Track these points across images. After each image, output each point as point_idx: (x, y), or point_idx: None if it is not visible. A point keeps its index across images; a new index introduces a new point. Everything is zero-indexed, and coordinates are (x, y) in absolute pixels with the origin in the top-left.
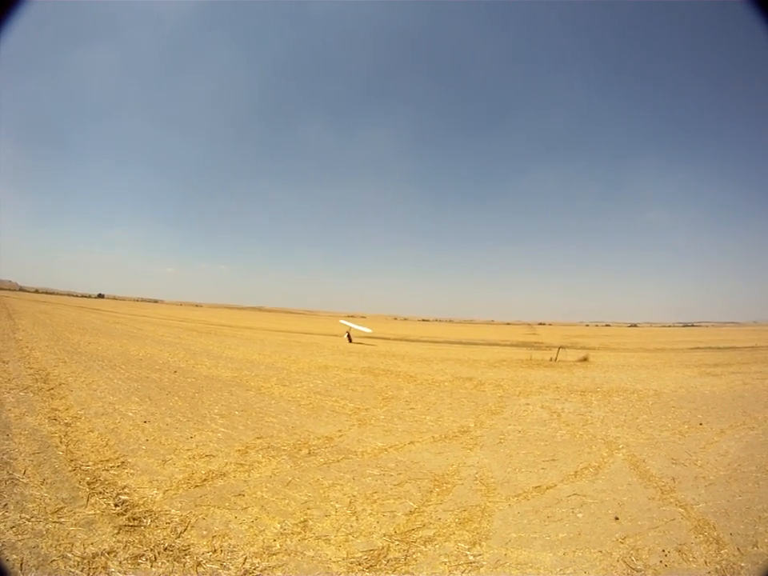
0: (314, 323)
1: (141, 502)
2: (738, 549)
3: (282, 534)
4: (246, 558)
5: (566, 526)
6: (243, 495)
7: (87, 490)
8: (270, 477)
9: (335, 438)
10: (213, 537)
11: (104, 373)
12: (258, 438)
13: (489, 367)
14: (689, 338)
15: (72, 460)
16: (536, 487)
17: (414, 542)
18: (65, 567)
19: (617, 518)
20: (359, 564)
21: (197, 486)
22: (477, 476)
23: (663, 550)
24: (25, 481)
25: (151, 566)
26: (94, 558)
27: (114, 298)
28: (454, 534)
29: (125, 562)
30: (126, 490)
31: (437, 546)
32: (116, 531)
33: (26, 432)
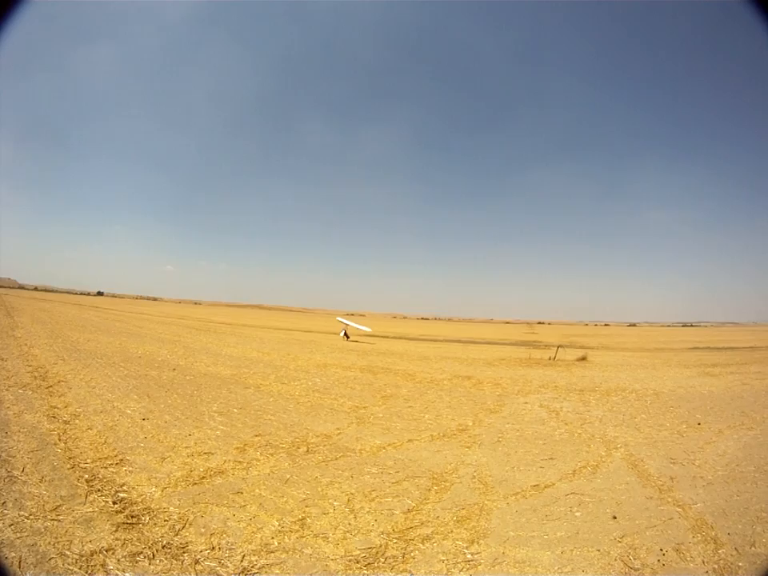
0: (313, 321)
1: (139, 500)
2: (736, 548)
3: (280, 531)
4: (244, 556)
5: (564, 525)
6: (241, 493)
7: (86, 487)
8: (269, 474)
9: (334, 436)
10: (211, 534)
11: (103, 370)
12: (256, 435)
13: (487, 366)
14: (688, 338)
15: (71, 457)
16: (534, 486)
17: (412, 540)
18: (63, 565)
19: (615, 517)
20: (357, 562)
21: (195, 483)
22: (475, 474)
23: (661, 550)
24: (23, 478)
25: (149, 564)
26: (92, 556)
27: (114, 296)
28: (452, 532)
29: (123, 559)
30: (124, 488)
31: (435, 544)
32: (114, 529)
33: (25, 430)
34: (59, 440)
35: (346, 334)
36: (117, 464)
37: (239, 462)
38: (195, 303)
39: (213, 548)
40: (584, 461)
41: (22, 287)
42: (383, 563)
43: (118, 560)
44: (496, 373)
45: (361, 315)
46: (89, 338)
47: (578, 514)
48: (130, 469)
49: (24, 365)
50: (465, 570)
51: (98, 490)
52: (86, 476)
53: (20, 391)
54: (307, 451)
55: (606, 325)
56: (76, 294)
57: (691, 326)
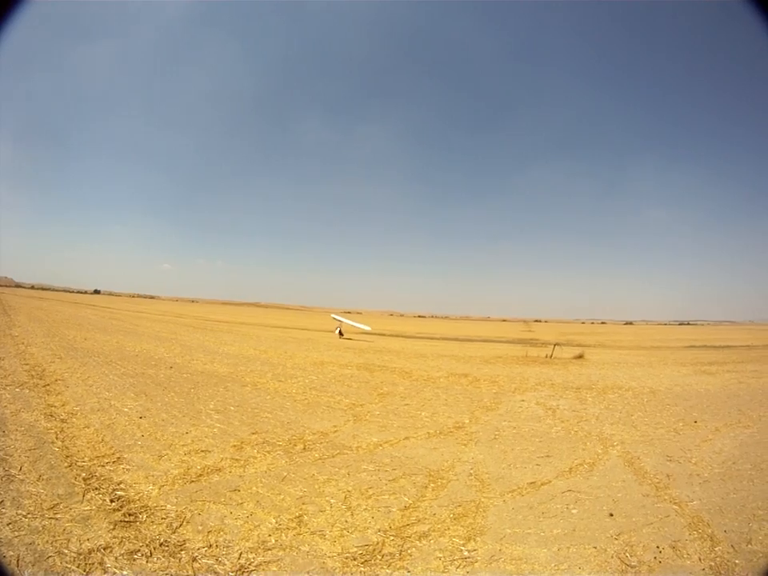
0: (310, 319)
1: (136, 498)
2: (732, 546)
3: (277, 529)
4: (241, 554)
5: (561, 522)
6: (238, 490)
7: (83, 485)
8: (266, 472)
9: (330, 434)
10: (208, 532)
11: (100, 369)
12: (253, 433)
13: (484, 364)
14: (685, 336)
15: (68, 456)
16: (531, 483)
17: (409, 538)
18: (61, 563)
19: (611, 515)
20: (354, 559)
21: (192, 481)
22: (472, 472)
23: (657, 547)
24: (21, 477)
25: (147, 562)
26: (89, 554)
27: (111, 294)
28: (448, 529)
29: (120, 557)
30: (121, 486)
31: (431, 541)
32: (112, 527)
33: (22, 428)
34: (56, 438)
35: (340, 331)
36: (114, 462)
37: (236, 459)
38: (192, 301)
39: (210, 545)
40: (580, 458)
41: (18, 285)
42: (380, 560)
43: (116, 558)
44: (493, 370)
45: (358, 313)
46: (86, 337)
47: (574, 511)
48: (128, 467)
49: (21, 363)
50: (462, 567)
51: (96, 489)
52: (84, 474)
53: (17, 390)
54: (304, 449)
55: (602, 323)
56: (73, 292)
57: (688, 324)
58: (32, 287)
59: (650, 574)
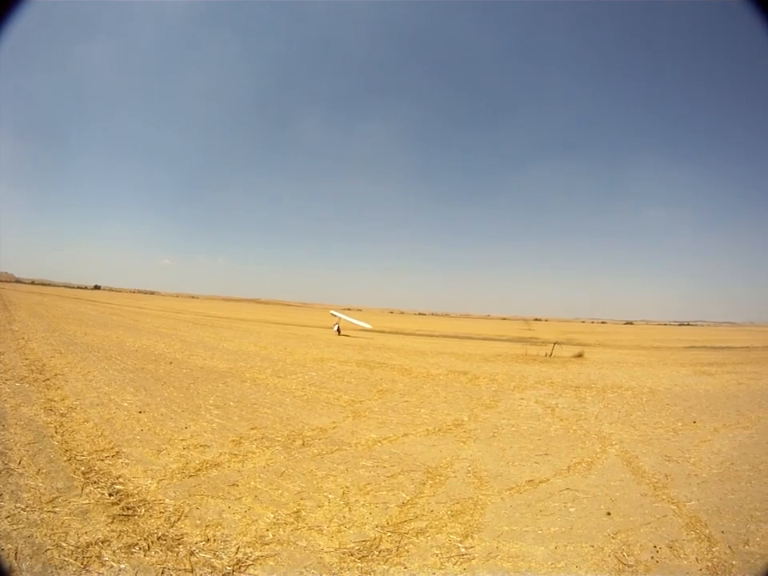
0: (311, 316)
1: (135, 492)
2: (730, 547)
3: (275, 523)
4: (238, 548)
5: (558, 520)
6: (237, 485)
7: (82, 479)
8: (264, 467)
9: (329, 430)
10: (206, 526)
11: (100, 364)
12: (252, 428)
13: (484, 361)
14: (685, 337)
15: (67, 450)
16: (529, 481)
17: (407, 534)
18: (59, 556)
19: (609, 514)
20: (351, 554)
21: (191, 475)
22: (470, 469)
23: (655, 546)
24: (20, 471)
25: (144, 555)
26: (87, 547)
27: (111, 290)
28: (446, 526)
29: (118, 551)
30: (120, 480)
31: (429, 537)
32: (110, 520)
33: (22, 422)
34: (56, 432)
35: (338, 328)
36: (113, 456)
37: (235, 454)
38: (192, 297)
39: (208, 540)
40: (579, 457)
41: (18, 281)
42: (377, 556)
43: (114, 551)
44: (492, 368)
45: (358, 310)
46: (86, 332)
47: (572, 509)
48: (126, 461)
49: (21, 358)
50: (458, 563)
51: (94, 482)
52: (83, 468)
53: (17, 384)
54: (303, 444)
55: (603, 322)
56: (73, 287)
57: (688, 324)
58: (32, 282)
59: (647, 573)
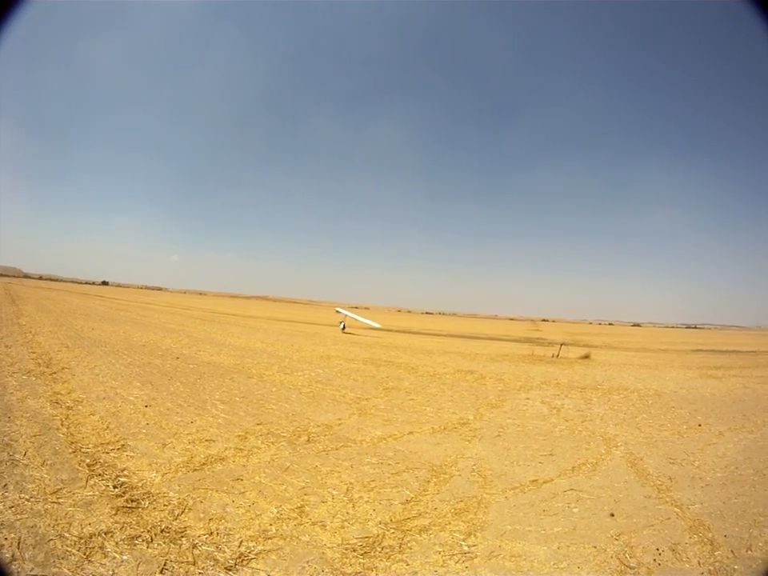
0: (318, 313)
1: (139, 485)
2: (732, 551)
3: (278, 518)
4: (241, 542)
5: (562, 521)
6: (241, 480)
7: (87, 471)
8: (269, 462)
9: (335, 426)
10: (210, 520)
11: (107, 358)
12: (258, 424)
13: (490, 361)
14: (691, 340)
15: (73, 442)
16: (533, 481)
17: (410, 531)
18: (62, 546)
19: (612, 515)
20: (354, 550)
21: (196, 469)
22: (474, 468)
23: (657, 549)
24: (25, 462)
25: (147, 547)
26: (90, 538)
27: (118, 286)
28: (449, 524)
29: (121, 542)
30: (125, 473)
31: (432, 535)
32: (114, 512)
33: (28, 415)
34: (62, 425)
35: (344, 326)
36: (118, 449)
37: (240, 449)
38: (200, 293)
39: (211, 533)
40: (583, 458)
41: (26, 276)
42: (379, 553)
43: (117, 543)
44: (499, 368)
45: (365, 308)
46: (93, 327)
47: (575, 510)
48: (132, 454)
49: (28, 352)
50: (461, 562)
51: (99, 475)
52: (88, 460)
53: (24, 377)
54: (308, 440)
55: (610, 324)
56: (81, 283)
57: (695, 327)
58: (40, 278)
59: (649, 575)
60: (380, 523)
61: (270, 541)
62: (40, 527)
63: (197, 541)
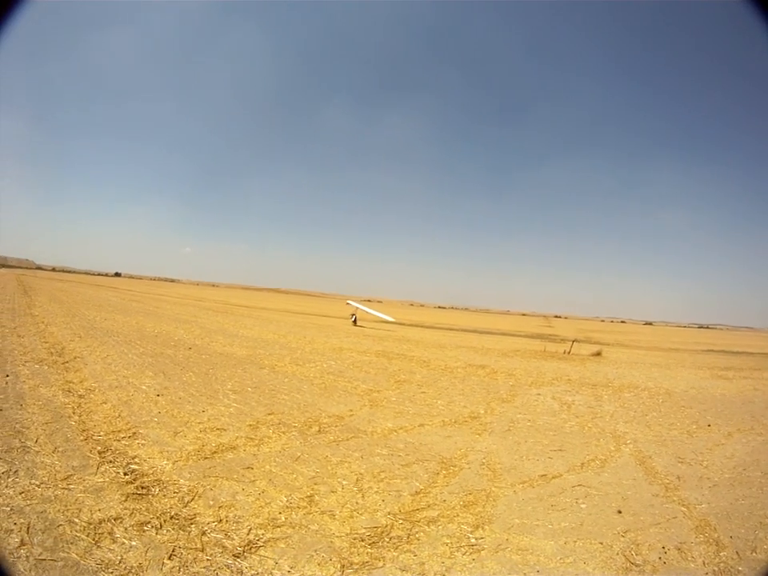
0: (331, 306)
1: (150, 472)
2: (737, 553)
3: (287, 507)
4: (250, 529)
5: (569, 516)
6: (252, 468)
7: (98, 458)
8: (280, 452)
9: (346, 418)
10: (219, 507)
11: (119, 348)
12: (269, 414)
13: (502, 356)
14: (703, 340)
15: (84, 430)
16: (542, 476)
17: (418, 522)
18: (71, 532)
19: (619, 512)
20: (362, 540)
21: (206, 458)
22: (484, 461)
23: (663, 547)
24: (36, 449)
25: (156, 534)
26: (100, 524)
27: (131, 277)
28: (457, 516)
29: (130, 528)
30: (136, 460)
31: (440, 526)
32: (124, 499)
33: (40, 402)
34: (73, 413)
35: (355, 319)
36: (130, 437)
37: (251, 438)
38: (213, 285)
39: (220, 520)
40: (593, 454)
41: (39, 268)
42: (387, 543)
43: (126, 529)
44: (510, 363)
45: (378, 302)
46: (105, 317)
47: (583, 506)
48: (143, 442)
49: (41, 341)
50: (468, 554)
51: (110, 462)
52: (99, 448)
53: (36, 366)
54: (319, 431)
55: (622, 322)
56: (93, 274)
57: (707, 327)
58: (53, 269)
59: (654, 574)
60: (389, 514)
61: (278, 529)
62: (50, 512)
63: (206, 528)
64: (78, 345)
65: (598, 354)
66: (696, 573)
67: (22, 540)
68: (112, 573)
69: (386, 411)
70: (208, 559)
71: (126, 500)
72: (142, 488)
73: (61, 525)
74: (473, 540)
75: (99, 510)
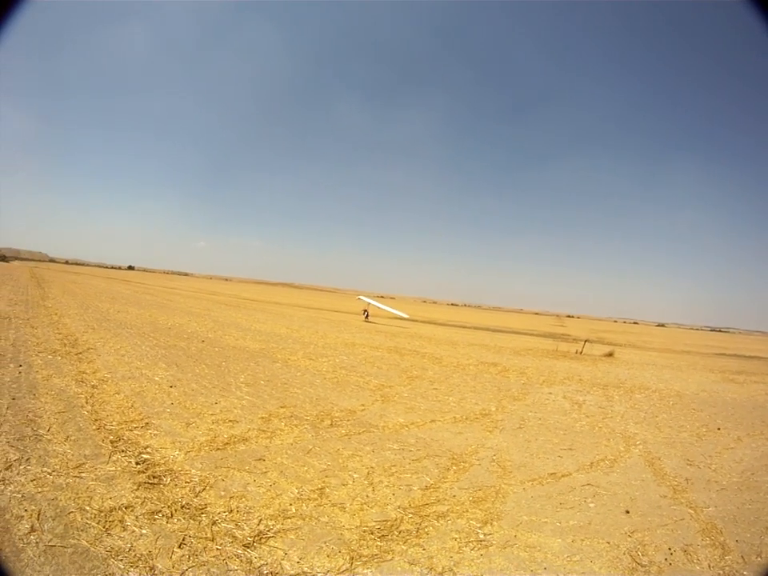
0: (344, 302)
1: (162, 462)
2: (743, 557)
3: (298, 499)
4: (261, 520)
5: (577, 515)
6: (263, 460)
7: (110, 447)
8: (291, 444)
9: (358, 412)
10: (230, 498)
11: (132, 340)
12: (281, 407)
13: (514, 355)
14: (715, 343)
15: (96, 420)
16: (551, 474)
17: (427, 516)
18: (82, 519)
19: (627, 512)
20: (371, 533)
21: (218, 449)
22: (494, 458)
23: (669, 549)
24: (48, 437)
25: (167, 522)
26: (111, 512)
27: (145, 271)
28: (467, 511)
29: (141, 516)
30: (148, 450)
31: (449, 521)
32: (135, 488)
33: (53, 392)
34: (86, 403)
35: (367, 314)
36: (142, 427)
37: (263, 430)
38: (226, 279)
39: (231, 510)
40: (602, 454)
41: (52, 260)
42: (397, 536)
43: (137, 517)
44: (522, 362)
45: (391, 298)
46: (119, 310)
47: (591, 505)
48: (155, 432)
49: (54, 332)
50: (476, 549)
51: (122, 451)
52: (111, 437)
53: (49, 357)
54: (331, 424)
55: (635, 323)
56: (107, 267)
57: (720, 331)
58: (66, 262)
59: (660, 575)
60: (399, 507)
61: (289, 520)
62: (61, 500)
63: (216, 518)
64: (92, 336)
65: (610, 354)
66: (701, 575)
67: (32, 526)
68: (122, 560)
69: (397, 406)
70: (218, 548)
71: (138, 489)
72: (154, 477)
73: (72, 512)
74: (481, 536)
75: (110, 498)
